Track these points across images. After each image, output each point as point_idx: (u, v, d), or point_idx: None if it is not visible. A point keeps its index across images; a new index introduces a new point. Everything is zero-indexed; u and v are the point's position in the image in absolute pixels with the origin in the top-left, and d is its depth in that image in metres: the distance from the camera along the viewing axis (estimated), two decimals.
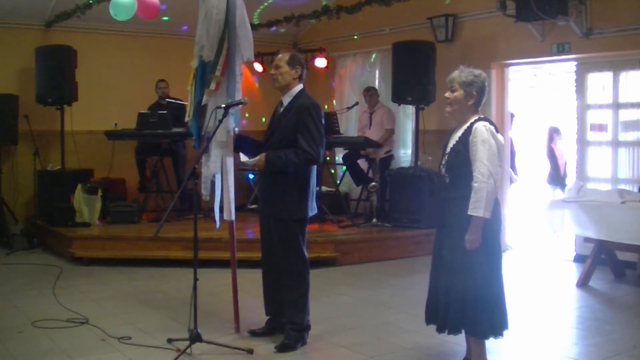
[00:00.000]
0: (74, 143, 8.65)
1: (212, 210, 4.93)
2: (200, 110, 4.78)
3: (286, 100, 4.51)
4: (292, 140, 4.36)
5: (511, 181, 8.74)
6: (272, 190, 4.50)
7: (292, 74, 4.48)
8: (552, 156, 9.82)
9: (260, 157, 4.40)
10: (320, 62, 10.15)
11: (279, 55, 4.56)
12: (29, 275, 6.74)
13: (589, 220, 6.20)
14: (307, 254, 4.54)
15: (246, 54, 4.81)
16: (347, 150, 9.10)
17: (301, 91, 4.51)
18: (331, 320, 5.16)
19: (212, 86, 4.66)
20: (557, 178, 9.46)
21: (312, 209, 4.53)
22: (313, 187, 4.53)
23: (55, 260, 7.42)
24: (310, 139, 4.34)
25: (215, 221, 4.88)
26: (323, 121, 4.47)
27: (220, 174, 4.78)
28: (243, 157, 4.51)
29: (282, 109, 4.52)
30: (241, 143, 4.73)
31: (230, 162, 4.77)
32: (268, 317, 4.74)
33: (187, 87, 4.92)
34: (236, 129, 4.79)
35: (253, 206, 8.86)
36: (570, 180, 9.00)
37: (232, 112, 4.69)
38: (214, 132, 4.57)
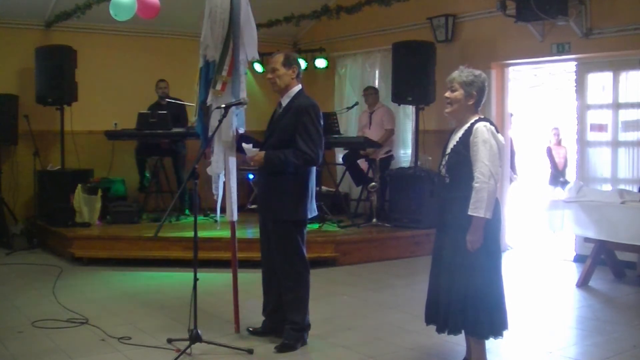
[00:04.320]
0: (74, 143, 8.65)
1: (214, 210, 4.94)
2: (205, 110, 4.77)
3: (285, 101, 4.50)
4: (291, 140, 4.35)
5: (511, 181, 8.76)
6: (270, 191, 4.49)
7: (289, 74, 4.46)
8: (550, 156, 9.88)
9: (260, 154, 4.39)
10: (320, 62, 10.16)
11: (273, 58, 4.51)
12: (29, 275, 6.74)
13: (589, 220, 6.20)
14: (306, 255, 4.53)
15: (250, 53, 4.79)
16: (347, 151, 9.10)
17: (300, 91, 4.49)
18: (331, 320, 5.16)
19: (218, 86, 4.65)
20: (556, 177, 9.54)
21: (312, 211, 4.52)
22: (312, 188, 4.51)
23: (55, 260, 7.42)
24: (309, 139, 4.33)
25: (218, 221, 4.89)
26: (322, 122, 4.46)
27: (223, 174, 4.79)
28: (246, 145, 4.47)
29: (280, 110, 4.52)
30: (245, 143, 4.72)
31: (232, 162, 4.77)
32: (264, 318, 4.74)
33: (193, 87, 4.91)
34: (241, 129, 4.79)
35: (253, 206, 8.86)
36: (570, 178, 9.06)
37: (236, 112, 4.69)
38: (214, 132, 4.57)
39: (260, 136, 4.77)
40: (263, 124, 4.79)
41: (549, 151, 10.00)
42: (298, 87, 4.50)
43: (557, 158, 9.90)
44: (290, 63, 4.46)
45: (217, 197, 4.84)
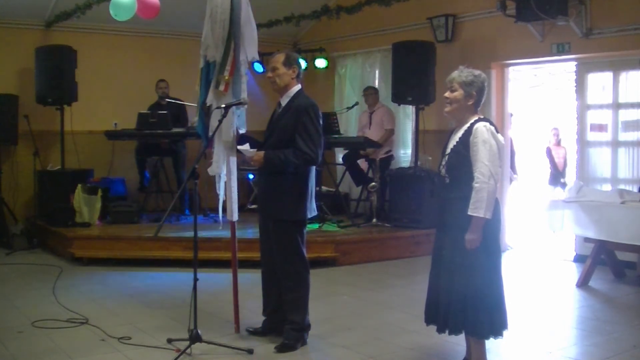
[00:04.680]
0: (74, 143, 8.65)
1: (214, 210, 4.94)
2: (206, 111, 4.77)
3: (284, 100, 4.50)
4: (290, 140, 4.36)
5: (511, 181, 8.76)
6: (271, 191, 4.50)
7: (289, 74, 4.46)
8: (550, 156, 9.88)
9: (259, 154, 4.39)
10: (320, 62, 10.16)
11: (274, 57, 4.52)
12: (29, 275, 6.74)
13: (589, 220, 6.20)
14: (306, 254, 4.54)
15: (250, 54, 4.80)
16: (347, 151, 9.10)
17: (299, 91, 4.50)
18: (331, 320, 5.16)
19: (221, 87, 4.65)
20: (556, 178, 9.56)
21: (312, 211, 4.53)
22: (312, 188, 4.52)
23: (55, 260, 7.42)
24: (309, 139, 4.34)
25: (218, 221, 4.89)
26: (321, 121, 4.46)
27: (224, 174, 4.79)
28: (244, 146, 4.47)
29: (280, 110, 4.52)
30: (243, 143, 4.72)
31: (233, 162, 4.78)
32: (264, 318, 4.74)
33: (195, 87, 4.90)
34: (242, 129, 4.79)
35: (253, 206, 8.86)
36: (570, 178, 9.07)
37: (237, 112, 4.69)
38: (214, 132, 4.57)
39: (259, 136, 4.77)
40: (263, 124, 4.79)
41: (549, 151, 10.00)
42: (297, 87, 4.51)
43: (556, 158, 9.90)
44: (290, 63, 4.47)
45: (220, 197, 4.85)
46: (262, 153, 4.39)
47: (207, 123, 4.76)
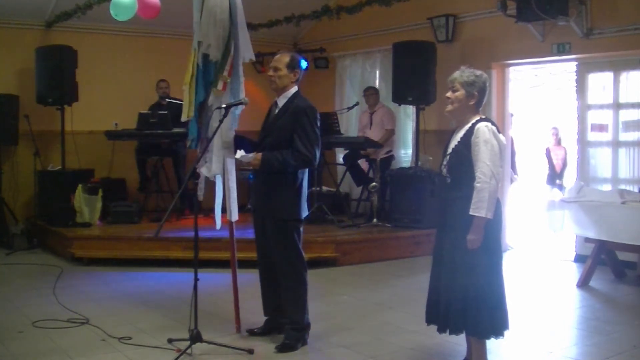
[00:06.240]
0: (74, 143, 8.64)
1: (213, 210, 4.94)
2: (201, 111, 4.77)
3: (281, 101, 4.51)
4: (288, 141, 4.37)
5: (511, 181, 8.76)
6: (267, 191, 4.50)
7: (290, 77, 4.48)
8: (549, 157, 9.88)
9: (257, 156, 4.40)
10: (321, 62, 10.15)
11: (277, 57, 4.53)
12: (29, 275, 6.74)
13: (589, 220, 6.20)
14: (303, 253, 4.54)
15: (246, 55, 4.81)
16: (347, 151, 9.10)
17: (296, 93, 4.52)
18: (331, 320, 5.16)
19: (220, 86, 4.65)
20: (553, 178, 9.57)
21: (304, 210, 4.54)
22: (305, 187, 4.55)
23: (55, 260, 7.42)
24: (307, 141, 4.35)
25: (215, 222, 4.89)
26: (319, 123, 4.47)
27: (221, 174, 4.79)
28: (239, 153, 4.47)
29: (277, 110, 4.52)
30: (239, 143, 4.72)
31: (231, 162, 4.78)
32: (266, 317, 4.75)
33: (182, 86, 4.88)
34: (233, 126, 4.79)
35: None
36: (567, 180, 9.08)
37: (232, 111, 4.69)
38: (214, 133, 4.57)
39: (254, 136, 4.77)
40: (257, 123, 4.78)
41: (548, 152, 10.00)
42: (295, 88, 4.53)
43: (555, 160, 9.87)
44: (294, 67, 4.48)
45: (217, 198, 4.85)
46: (259, 155, 4.40)
47: (200, 124, 4.75)
